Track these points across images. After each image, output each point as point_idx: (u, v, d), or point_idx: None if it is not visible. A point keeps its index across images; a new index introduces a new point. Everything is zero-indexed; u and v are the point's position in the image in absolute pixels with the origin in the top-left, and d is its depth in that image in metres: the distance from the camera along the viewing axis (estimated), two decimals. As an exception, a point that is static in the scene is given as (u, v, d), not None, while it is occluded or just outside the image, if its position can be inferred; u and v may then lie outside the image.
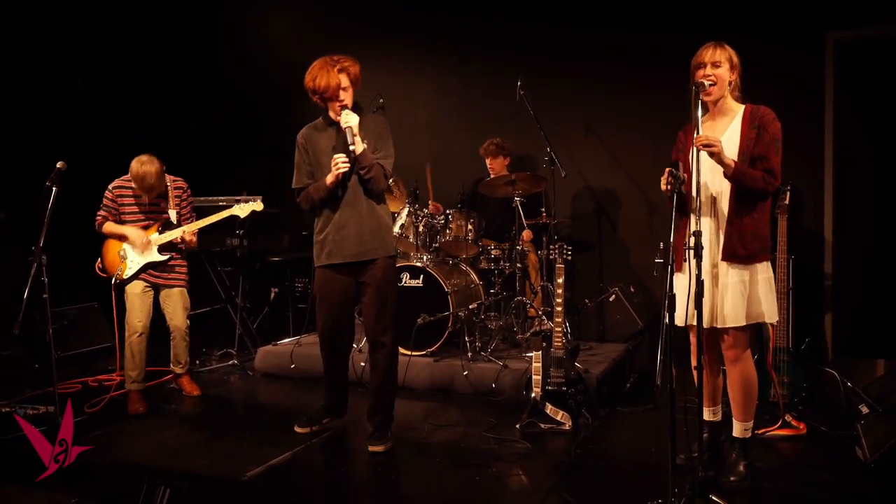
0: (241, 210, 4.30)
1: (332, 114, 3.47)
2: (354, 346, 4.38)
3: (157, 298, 4.40)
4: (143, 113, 6.50)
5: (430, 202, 5.33)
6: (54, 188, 3.77)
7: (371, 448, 3.44)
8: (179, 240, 4.32)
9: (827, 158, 4.88)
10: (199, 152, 6.96)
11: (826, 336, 4.87)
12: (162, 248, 4.31)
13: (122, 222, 4.32)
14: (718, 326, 2.93)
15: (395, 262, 3.65)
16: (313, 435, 3.68)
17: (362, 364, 4.46)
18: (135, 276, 4.28)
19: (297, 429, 3.71)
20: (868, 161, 4.93)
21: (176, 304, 4.38)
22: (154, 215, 4.36)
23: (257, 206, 4.31)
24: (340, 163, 3.31)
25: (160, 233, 4.31)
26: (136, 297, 4.26)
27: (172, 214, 4.37)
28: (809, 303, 4.68)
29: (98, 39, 6.22)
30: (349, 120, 3.32)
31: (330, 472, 3.37)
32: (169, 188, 4.39)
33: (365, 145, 3.36)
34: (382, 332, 3.48)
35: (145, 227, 4.31)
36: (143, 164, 4.16)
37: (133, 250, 4.29)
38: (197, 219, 4.41)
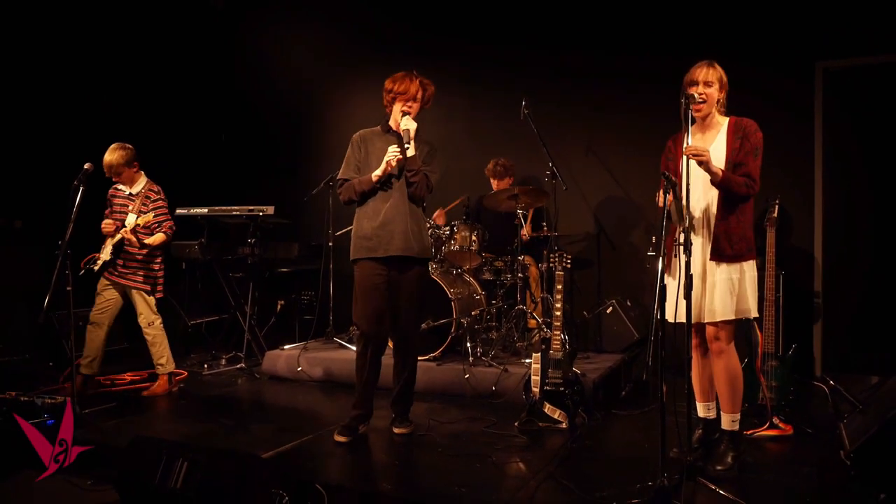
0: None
1: (392, 122, 3.70)
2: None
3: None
4: (167, 131, 6.80)
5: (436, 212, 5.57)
6: (81, 187, 4.01)
7: (397, 430, 3.77)
8: (127, 240, 4.53)
9: (817, 179, 5.11)
10: (220, 166, 7.28)
11: (814, 351, 5.03)
12: (114, 249, 4.57)
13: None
14: (707, 321, 3.12)
15: (428, 267, 3.79)
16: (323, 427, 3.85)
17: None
18: (99, 273, 4.61)
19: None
20: (860, 183, 5.15)
21: (136, 304, 4.66)
22: (121, 215, 4.61)
23: None
24: (392, 154, 3.52)
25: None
26: (98, 294, 4.65)
27: (131, 217, 4.53)
28: (798, 318, 4.85)
29: (123, 61, 6.52)
30: (408, 125, 3.55)
31: (339, 458, 3.47)
32: (141, 191, 4.63)
33: (417, 153, 3.60)
34: (413, 328, 3.76)
35: (118, 229, 4.56)
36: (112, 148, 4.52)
37: (103, 249, 4.62)
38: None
